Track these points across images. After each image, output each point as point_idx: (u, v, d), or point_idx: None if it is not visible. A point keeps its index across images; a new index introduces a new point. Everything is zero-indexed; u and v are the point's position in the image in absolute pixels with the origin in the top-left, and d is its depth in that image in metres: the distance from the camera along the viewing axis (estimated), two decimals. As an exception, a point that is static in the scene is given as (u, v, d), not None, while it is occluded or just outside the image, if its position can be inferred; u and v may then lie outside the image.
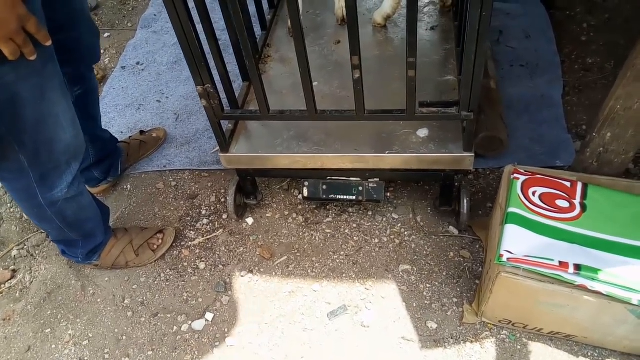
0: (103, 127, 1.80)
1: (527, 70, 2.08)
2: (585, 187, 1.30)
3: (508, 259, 1.19)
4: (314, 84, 1.69)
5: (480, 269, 1.52)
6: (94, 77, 1.66)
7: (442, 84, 1.60)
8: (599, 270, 1.13)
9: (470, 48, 1.14)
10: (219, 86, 1.40)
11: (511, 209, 1.27)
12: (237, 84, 1.72)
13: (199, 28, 1.24)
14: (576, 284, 1.14)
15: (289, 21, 1.20)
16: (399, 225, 1.66)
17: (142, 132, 2.02)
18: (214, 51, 1.37)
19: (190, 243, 1.69)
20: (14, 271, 1.71)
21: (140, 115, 2.20)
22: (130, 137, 2.00)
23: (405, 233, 1.64)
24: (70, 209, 1.41)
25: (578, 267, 1.14)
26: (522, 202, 1.28)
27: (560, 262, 1.15)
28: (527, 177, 1.33)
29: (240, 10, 1.24)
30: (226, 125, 1.57)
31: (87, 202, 1.48)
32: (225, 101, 1.45)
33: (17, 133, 1.15)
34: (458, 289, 1.49)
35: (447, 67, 1.66)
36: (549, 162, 1.74)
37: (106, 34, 2.68)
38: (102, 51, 2.58)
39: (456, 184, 1.56)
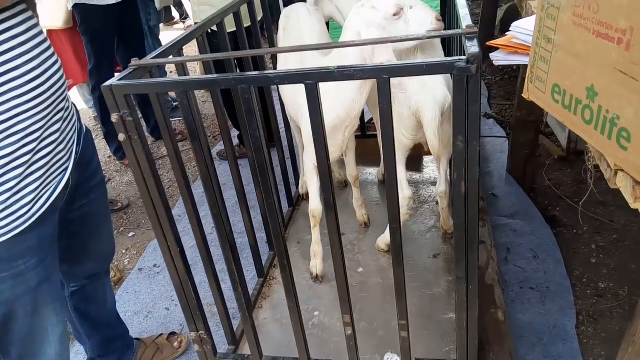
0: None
1: (538, 294, 2.05)
2: None
3: None
4: (315, 314, 1.71)
5: None
6: (105, 279, 1.71)
7: (444, 323, 1.57)
8: None
9: (461, 318, 1.14)
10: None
11: None
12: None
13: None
14: None
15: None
16: None
17: (172, 334, 2.02)
18: (214, 292, 1.41)
19: None
20: None
21: (147, 323, 2.20)
22: (154, 337, 2.00)
23: None
24: None
25: None
26: None
27: None
28: None
29: (234, 257, 1.31)
30: None
31: None
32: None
33: (4, 344, 1.20)
34: None
35: (449, 303, 1.64)
36: (568, 410, 1.59)
37: (130, 234, 2.84)
38: (124, 251, 2.71)
39: None
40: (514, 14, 4.75)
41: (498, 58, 1.03)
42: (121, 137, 1.05)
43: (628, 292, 2.02)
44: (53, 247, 1.25)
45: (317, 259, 1.81)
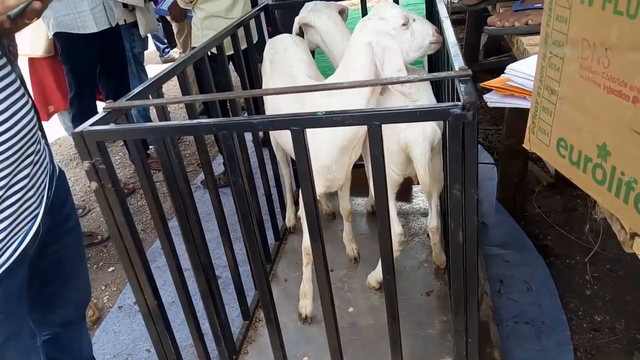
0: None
1: (533, 329, 1.99)
2: None
3: None
4: (305, 359, 1.63)
5: None
6: (80, 325, 1.60)
7: (439, 368, 1.50)
8: None
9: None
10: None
11: None
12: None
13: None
14: None
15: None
16: None
17: None
18: (196, 342, 1.33)
19: None
20: None
21: (127, 368, 2.09)
22: None
23: None
24: None
25: None
26: None
27: None
28: None
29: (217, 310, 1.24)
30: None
31: None
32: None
33: None
34: None
35: (445, 345, 1.57)
36: None
37: (110, 268, 2.73)
38: (103, 287, 2.60)
39: None
40: (498, 40, 4.80)
41: (492, 100, 0.99)
42: (93, 185, 0.98)
43: (625, 326, 1.97)
44: (21, 300, 1.16)
45: (306, 299, 1.73)
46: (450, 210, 0.91)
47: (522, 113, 0.85)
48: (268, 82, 1.81)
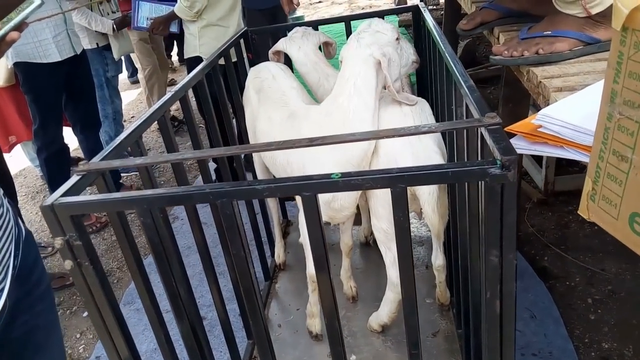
0: None
1: (542, 361, 1.90)
2: None
3: None
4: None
5: None
6: None
7: (457, 423, 1.39)
8: None
9: None
10: None
11: None
12: None
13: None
14: None
15: None
16: None
17: None
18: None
19: None
20: None
21: None
22: None
23: None
24: None
25: None
26: None
27: None
28: None
29: None
30: None
31: None
32: None
33: None
34: None
35: (459, 395, 1.47)
36: None
37: (85, 313, 2.53)
38: (78, 335, 2.41)
39: None
40: (472, 52, 4.81)
41: (520, 147, 0.88)
42: (67, 264, 0.83)
43: (633, 352, 1.90)
44: None
45: (315, 318, 1.70)
46: (486, 277, 0.80)
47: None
48: (258, 111, 1.69)
